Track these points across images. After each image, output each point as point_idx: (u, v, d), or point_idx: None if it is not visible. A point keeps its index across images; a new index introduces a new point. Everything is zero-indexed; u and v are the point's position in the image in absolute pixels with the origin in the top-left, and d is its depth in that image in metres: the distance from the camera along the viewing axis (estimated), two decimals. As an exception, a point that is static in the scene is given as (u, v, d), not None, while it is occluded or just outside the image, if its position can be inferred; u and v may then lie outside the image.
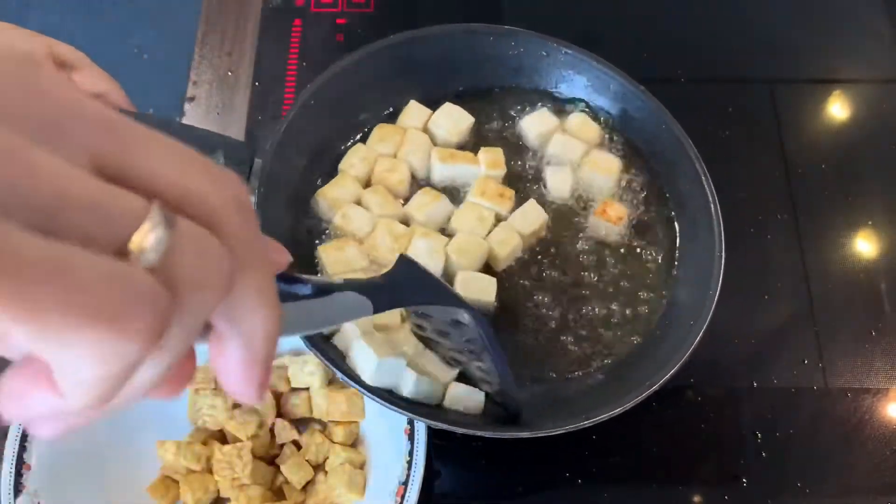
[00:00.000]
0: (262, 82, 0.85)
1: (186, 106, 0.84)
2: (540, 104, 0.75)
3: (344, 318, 0.40)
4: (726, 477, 0.66)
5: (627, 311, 0.67)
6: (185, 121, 0.83)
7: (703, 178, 0.67)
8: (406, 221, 0.68)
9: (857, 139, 0.82)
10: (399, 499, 0.59)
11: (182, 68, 0.85)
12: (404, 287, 0.49)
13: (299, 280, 0.35)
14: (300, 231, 0.67)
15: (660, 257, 0.69)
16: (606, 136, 0.74)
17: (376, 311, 0.41)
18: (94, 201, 0.20)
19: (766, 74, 0.86)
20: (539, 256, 0.69)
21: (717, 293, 0.61)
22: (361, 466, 0.64)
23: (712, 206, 0.66)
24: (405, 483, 0.59)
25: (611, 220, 0.69)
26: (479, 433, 0.57)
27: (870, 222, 0.78)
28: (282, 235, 0.63)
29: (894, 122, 0.83)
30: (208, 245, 0.22)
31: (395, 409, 0.56)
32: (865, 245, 0.77)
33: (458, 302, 0.53)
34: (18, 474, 0.61)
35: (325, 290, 0.36)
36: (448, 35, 0.73)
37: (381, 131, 0.71)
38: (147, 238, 0.20)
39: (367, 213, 0.67)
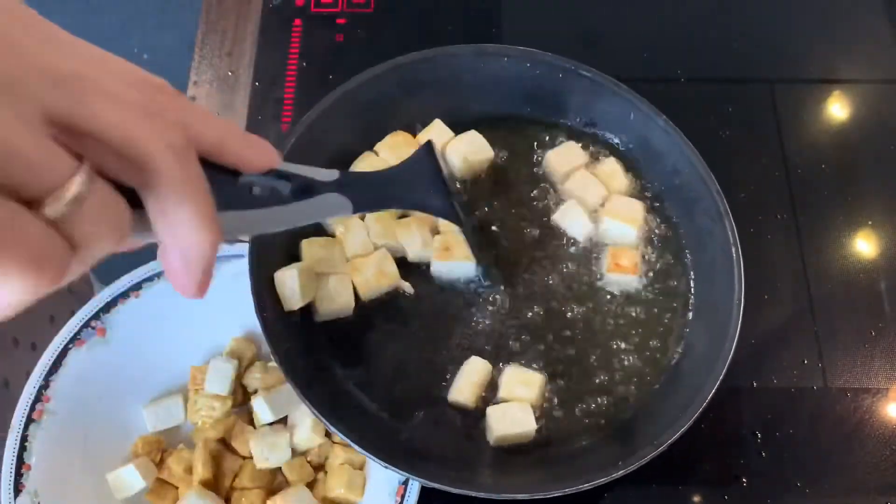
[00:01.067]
0: (262, 82, 0.85)
1: (186, 106, 0.84)
2: (561, 138, 0.70)
3: (317, 218, 0.41)
4: (726, 476, 0.66)
5: (637, 362, 0.64)
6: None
7: (725, 218, 0.63)
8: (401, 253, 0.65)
9: (857, 139, 0.82)
10: (399, 498, 0.59)
11: (182, 68, 0.85)
12: (396, 188, 0.48)
13: (285, 176, 0.37)
14: (307, 232, 0.65)
15: (674, 302, 0.66)
16: (636, 185, 0.69)
17: (356, 211, 0.42)
18: (30, 157, 0.25)
19: (766, 74, 0.86)
20: (553, 304, 0.65)
21: (734, 345, 0.58)
22: (361, 467, 0.64)
23: (733, 248, 0.62)
24: (405, 483, 0.59)
25: (627, 270, 0.64)
26: (472, 493, 0.54)
27: (870, 222, 0.78)
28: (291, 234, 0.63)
29: (894, 122, 0.83)
30: (112, 205, 0.28)
31: (393, 468, 0.53)
32: (865, 245, 0.77)
33: (454, 217, 0.54)
34: (18, 474, 0.61)
35: (305, 190, 0.38)
36: (458, 56, 0.68)
37: (394, 139, 0.68)
38: (63, 196, 0.26)
39: (366, 236, 0.64)
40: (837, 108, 0.85)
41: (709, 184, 0.64)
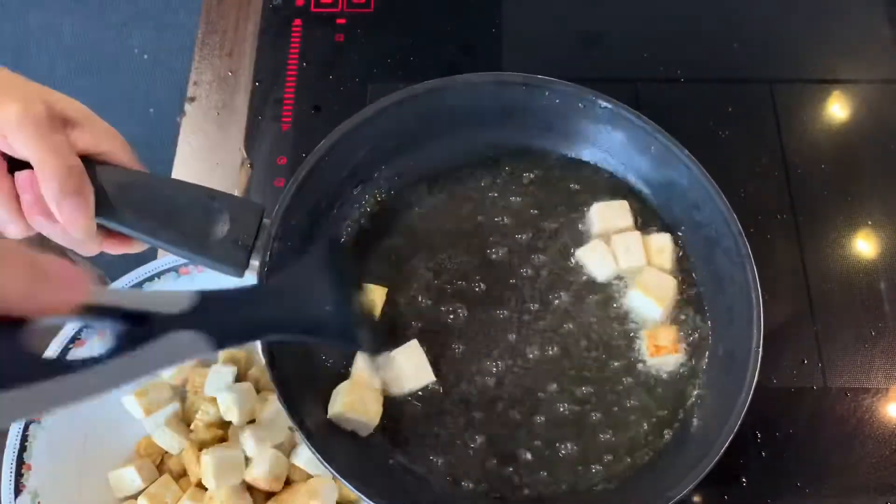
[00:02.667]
0: (262, 82, 0.85)
1: (187, 106, 0.84)
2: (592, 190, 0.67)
3: (159, 369, 0.31)
4: (726, 476, 0.66)
5: (643, 424, 0.61)
6: (185, 121, 0.83)
7: (746, 261, 0.59)
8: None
9: (857, 139, 0.82)
10: None
11: (182, 68, 0.85)
12: (273, 309, 0.35)
13: (108, 311, 0.27)
14: None
15: (692, 356, 0.62)
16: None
17: (219, 348, 0.31)
18: None
19: (766, 74, 0.86)
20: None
21: (750, 398, 0.55)
22: None
23: (753, 294, 0.57)
24: None
25: (670, 351, 0.61)
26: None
27: (870, 222, 0.78)
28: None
29: (894, 122, 0.83)
30: None
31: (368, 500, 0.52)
32: (865, 245, 0.77)
33: (360, 344, 0.43)
34: (18, 474, 0.61)
35: (137, 335, 0.27)
36: (475, 85, 0.65)
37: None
38: None
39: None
40: (837, 108, 0.85)
41: (730, 223, 0.60)
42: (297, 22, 0.88)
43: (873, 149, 0.82)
